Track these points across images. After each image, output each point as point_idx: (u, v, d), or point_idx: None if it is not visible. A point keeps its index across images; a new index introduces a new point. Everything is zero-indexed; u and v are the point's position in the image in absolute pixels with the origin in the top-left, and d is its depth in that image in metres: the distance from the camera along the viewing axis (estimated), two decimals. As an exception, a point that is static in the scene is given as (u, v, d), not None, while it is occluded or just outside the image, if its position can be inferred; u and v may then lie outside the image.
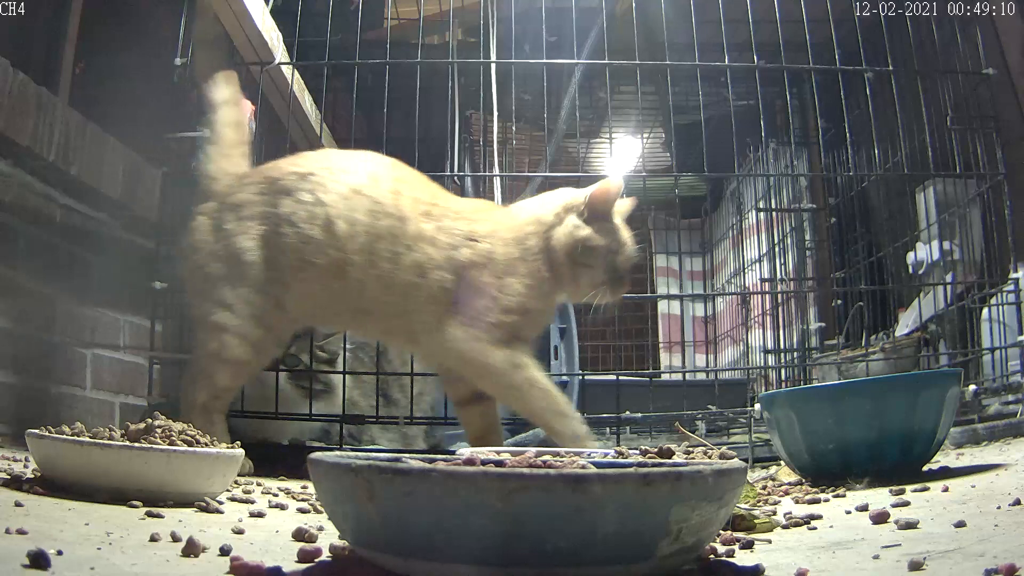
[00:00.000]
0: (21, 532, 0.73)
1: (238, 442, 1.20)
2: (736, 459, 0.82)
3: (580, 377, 2.32)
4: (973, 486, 1.12)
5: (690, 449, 0.97)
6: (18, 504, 0.89)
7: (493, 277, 1.48)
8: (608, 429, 2.67)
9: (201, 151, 1.64)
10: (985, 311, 2.25)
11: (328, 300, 1.52)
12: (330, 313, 1.58)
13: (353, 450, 1.95)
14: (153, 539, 0.76)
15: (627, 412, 1.98)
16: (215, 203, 1.55)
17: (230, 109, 1.66)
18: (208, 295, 1.49)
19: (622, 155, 4.57)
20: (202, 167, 1.61)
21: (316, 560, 0.70)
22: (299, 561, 0.71)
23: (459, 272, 1.47)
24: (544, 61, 2.14)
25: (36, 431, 1.04)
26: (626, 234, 1.56)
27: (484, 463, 0.64)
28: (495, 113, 2.38)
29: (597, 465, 0.69)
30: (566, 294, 1.59)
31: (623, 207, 1.61)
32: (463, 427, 1.67)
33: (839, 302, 3.09)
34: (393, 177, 1.53)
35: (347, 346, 2.08)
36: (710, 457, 0.93)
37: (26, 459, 1.30)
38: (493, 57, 2.38)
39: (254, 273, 1.48)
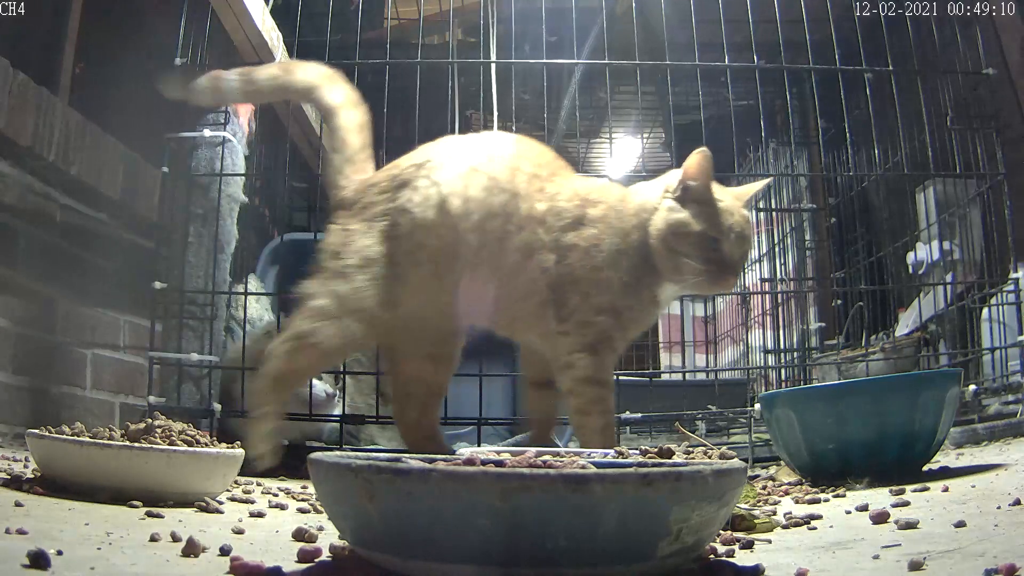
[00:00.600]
0: (21, 532, 0.73)
1: (238, 442, 1.20)
2: (736, 459, 0.82)
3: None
4: (973, 486, 1.12)
5: (690, 449, 0.97)
6: (18, 504, 0.89)
7: (591, 269, 1.38)
8: (608, 429, 2.66)
9: (325, 163, 1.56)
10: (985, 311, 2.25)
11: (439, 289, 1.43)
12: (441, 304, 1.46)
13: (353, 450, 1.95)
14: (153, 539, 0.76)
15: (627, 412, 1.98)
16: (346, 211, 1.49)
17: (350, 111, 1.55)
18: (320, 283, 1.43)
19: (622, 155, 4.57)
20: (328, 179, 1.55)
21: (316, 560, 0.70)
22: (299, 561, 0.71)
23: (563, 256, 1.39)
24: (544, 61, 2.14)
25: (36, 431, 1.04)
26: (734, 219, 1.38)
27: (484, 463, 0.63)
28: (495, 113, 2.38)
29: (597, 465, 0.69)
30: (674, 288, 1.44)
31: (745, 191, 1.48)
32: (527, 406, 1.58)
33: (839, 302, 3.09)
34: (514, 153, 1.45)
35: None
36: (710, 457, 0.93)
37: (26, 459, 1.30)
38: (493, 57, 2.39)
39: (372, 270, 1.41)
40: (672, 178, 1.42)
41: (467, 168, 1.43)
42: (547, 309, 1.40)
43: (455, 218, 1.40)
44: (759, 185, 1.52)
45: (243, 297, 2.22)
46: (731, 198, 1.41)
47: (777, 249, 3.48)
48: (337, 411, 2.03)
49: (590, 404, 1.37)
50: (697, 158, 1.36)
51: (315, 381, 1.96)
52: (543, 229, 1.40)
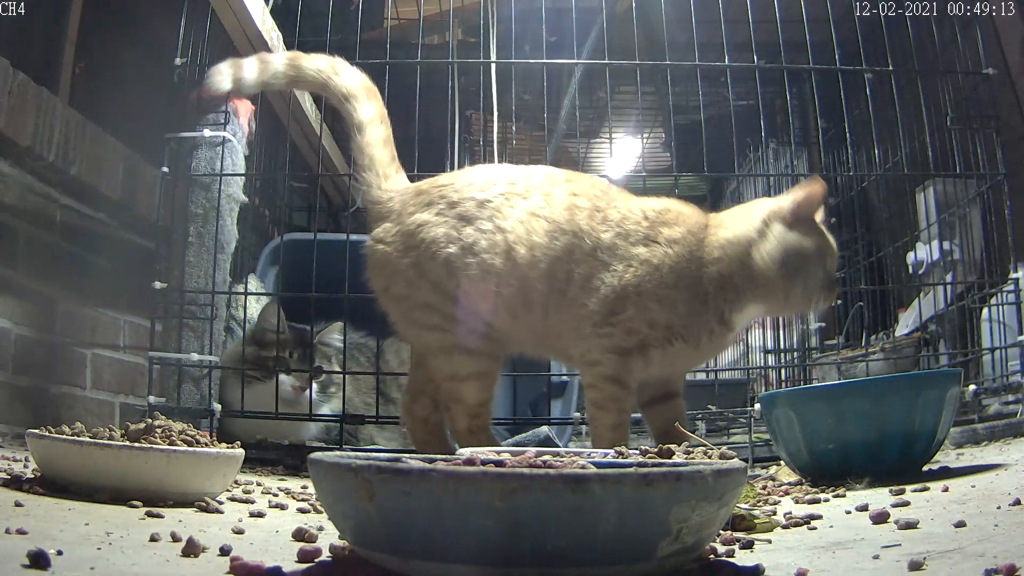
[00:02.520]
0: (21, 532, 0.73)
1: (238, 442, 1.20)
2: (736, 459, 0.82)
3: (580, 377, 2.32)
4: (973, 486, 1.12)
5: (690, 449, 0.97)
6: (18, 504, 0.89)
7: (658, 285, 1.41)
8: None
9: (356, 183, 1.58)
10: (985, 311, 2.25)
11: (515, 326, 1.47)
12: (528, 337, 1.51)
13: (353, 450, 1.95)
14: (153, 539, 0.76)
15: (627, 412, 1.97)
16: (391, 224, 1.50)
17: (378, 127, 1.58)
18: (421, 323, 1.47)
19: (622, 155, 4.57)
20: (364, 197, 1.57)
21: (316, 560, 0.70)
22: (299, 561, 0.71)
23: (630, 268, 1.42)
24: (544, 61, 2.14)
25: (36, 431, 1.04)
26: (830, 237, 1.46)
27: (484, 463, 0.63)
28: (495, 113, 2.38)
29: (597, 465, 0.69)
30: (756, 310, 1.47)
31: (819, 212, 1.52)
32: (647, 426, 1.59)
33: (839, 302, 3.09)
34: (568, 192, 1.48)
35: (346, 345, 2.08)
36: (710, 457, 0.93)
37: (26, 459, 1.30)
38: (493, 57, 2.39)
39: (453, 291, 1.45)
40: (766, 207, 1.46)
41: (527, 213, 1.45)
42: (588, 320, 1.42)
43: (524, 267, 1.43)
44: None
45: (243, 297, 2.22)
46: (819, 221, 1.47)
47: (777, 249, 3.47)
48: (326, 409, 2.03)
49: (608, 400, 1.41)
50: (816, 190, 1.42)
51: (283, 376, 1.96)
52: (608, 255, 1.43)
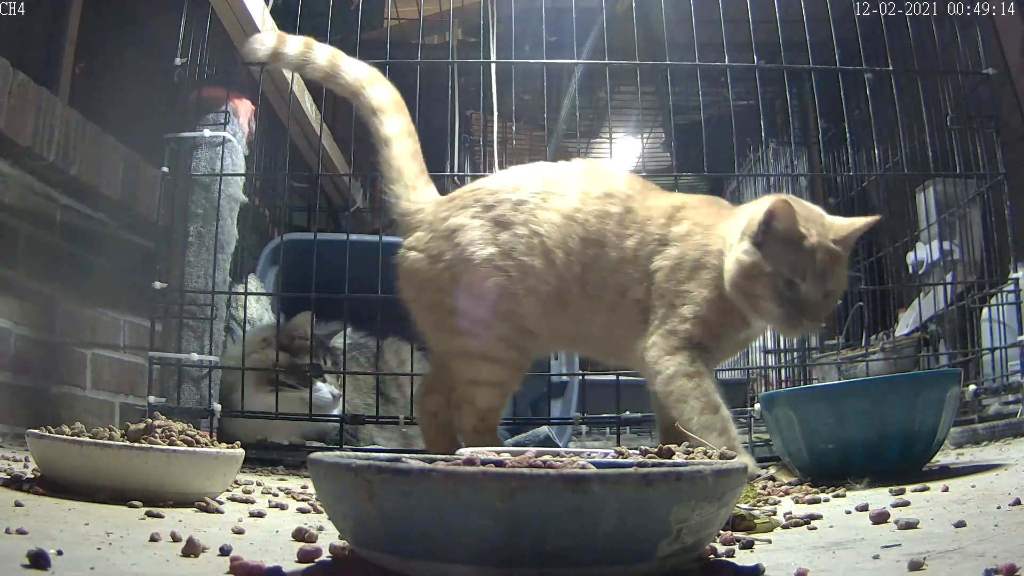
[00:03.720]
0: (21, 532, 0.73)
1: (237, 442, 1.20)
2: (736, 459, 0.82)
3: (580, 377, 2.32)
4: (973, 486, 1.12)
5: (690, 449, 0.97)
6: (18, 504, 0.89)
7: (676, 283, 1.42)
8: (608, 429, 2.66)
9: (386, 196, 1.60)
10: (985, 311, 2.25)
11: (552, 326, 1.49)
12: (562, 336, 1.53)
13: (353, 450, 1.95)
14: (153, 539, 0.76)
15: (627, 412, 1.98)
16: (423, 232, 1.51)
17: (405, 140, 1.60)
18: (450, 328, 1.48)
19: (622, 155, 4.57)
20: (393, 210, 1.59)
21: (316, 560, 0.70)
22: (299, 561, 0.71)
23: (651, 281, 1.44)
24: (544, 61, 2.14)
25: (36, 431, 1.04)
26: (816, 258, 1.33)
27: (484, 463, 0.63)
28: (495, 113, 2.38)
29: (597, 465, 0.69)
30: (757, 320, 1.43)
31: (844, 228, 1.39)
32: (657, 421, 1.57)
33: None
34: (602, 192, 1.49)
35: (346, 344, 2.08)
36: (710, 457, 0.93)
37: (26, 459, 1.30)
38: (493, 57, 2.39)
39: (486, 294, 1.45)
40: (748, 214, 1.40)
41: (562, 218, 1.47)
42: (640, 335, 1.43)
43: (560, 269, 1.45)
44: (863, 221, 1.42)
45: (243, 297, 2.22)
46: (821, 235, 1.35)
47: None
48: (336, 411, 2.03)
49: (685, 393, 1.37)
50: (782, 206, 1.33)
51: (319, 383, 1.96)
52: (633, 267, 1.44)
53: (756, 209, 1.41)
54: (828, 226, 1.39)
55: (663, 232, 1.46)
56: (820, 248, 1.34)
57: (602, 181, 1.51)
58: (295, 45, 1.62)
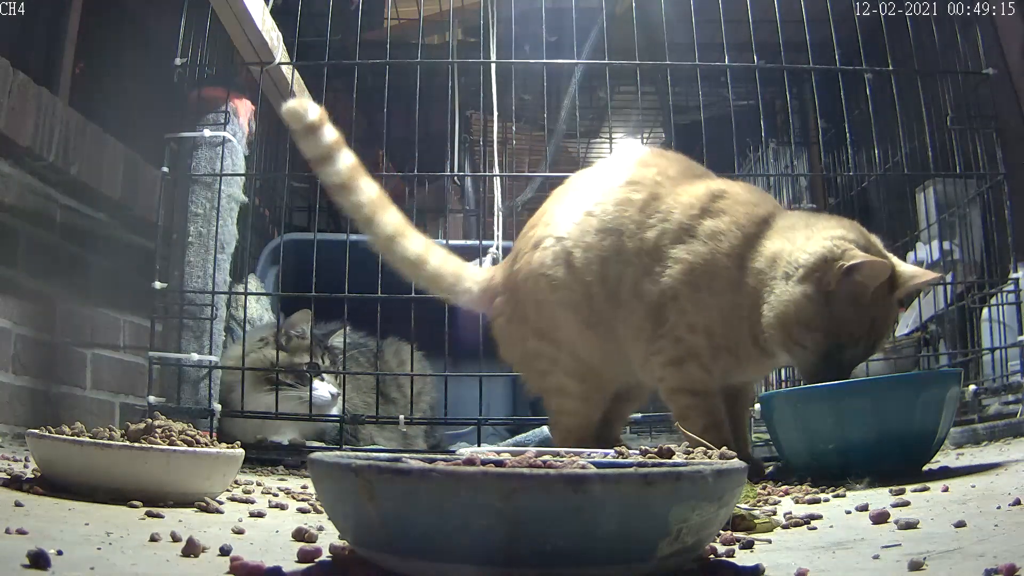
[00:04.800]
0: (21, 532, 0.73)
1: (237, 442, 1.20)
2: (736, 459, 0.82)
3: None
4: (973, 486, 1.12)
5: (690, 449, 0.97)
6: (18, 504, 0.89)
7: (692, 287, 1.32)
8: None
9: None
10: (985, 311, 2.25)
11: (587, 344, 1.45)
12: (610, 364, 1.47)
13: (353, 450, 1.95)
14: (153, 539, 0.76)
15: (627, 412, 1.97)
16: (500, 296, 1.55)
17: (436, 257, 1.60)
18: (530, 367, 1.52)
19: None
20: (467, 304, 1.62)
21: (316, 560, 0.70)
22: (299, 561, 0.71)
23: (665, 271, 1.35)
24: (544, 61, 2.14)
25: (36, 431, 1.04)
26: (874, 326, 1.25)
27: (484, 463, 0.63)
28: (495, 113, 2.38)
29: (597, 465, 0.69)
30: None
31: (910, 280, 1.28)
32: None
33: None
34: (626, 181, 1.42)
35: (346, 344, 2.08)
36: (710, 457, 0.93)
37: (26, 459, 1.30)
38: (493, 57, 2.38)
39: (552, 337, 1.47)
40: (826, 249, 1.26)
41: (582, 214, 1.43)
42: (643, 333, 1.40)
43: (581, 271, 1.41)
44: (931, 276, 1.36)
45: (243, 297, 2.22)
46: (887, 296, 1.26)
47: (777, 249, 3.46)
48: (335, 410, 2.03)
49: (686, 410, 1.37)
50: (878, 267, 1.22)
51: (316, 382, 1.96)
52: (650, 258, 1.36)
53: (831, 245, 1.26)
54: (896, 279, 1.28)
55: (692, 223, 1.34)
56: (883, 310, 1.26)
57: (626, 170, 1.46)
58: (331, 133, 1.58)
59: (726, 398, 1.45)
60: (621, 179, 1.45)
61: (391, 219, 1.57)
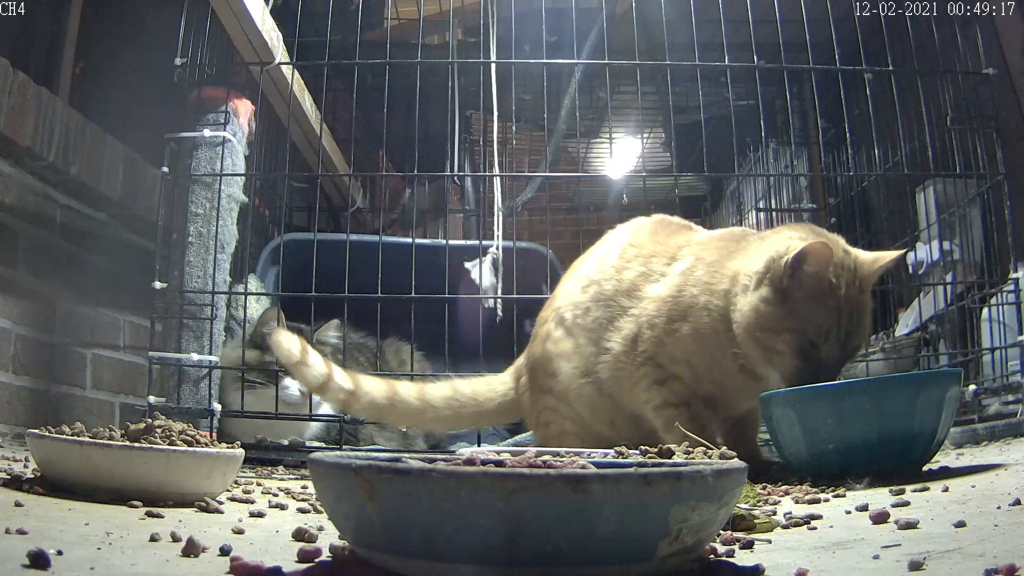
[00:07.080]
0: (21, 532, 0.73)
1: (237, 442, 1.20)
2: (736, 459, 0.82)
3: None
4: (973, 486, 1.12)
5: (690, 449, 0.97)
6: (18, 504, 0.89)
7: (666, 320, 1.38)
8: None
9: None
10: (985, 311, 2.25)
11: (594, 403, 1.52)
12: (619, 422, 1.54)
13: (353, 450, 1.95)
14: (153, 539, 0.76)
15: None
16: (524, 376, 1.65)
17: (464, 402, 1.68)
18: (538, 421, 1.61)
19: (622, 155, 4.56)
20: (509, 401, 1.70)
21: (316, 560, 0.70)
22: (299, 561, 0.71)
23: (642, 310, 1.44)
24: (544, 61, 2.14)
25: (36, 431, 1.04)
26: (842, 316, 1.24)
27: (484, 463, 0.63)
28: (495, 113, 2.38)
29: (597, 465, 0.69)
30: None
31: (872, 266, 1.30)
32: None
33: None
34: (627, 245, 1.53)
35: (346, 345, 2.08)
36: (710, 457, 0.93)
37: (26, 459, 1.30)
38: (493, 57, 2.38)
39: (555, 390, 1.55)
40: (772, 251, 1.28)
41: (586, 281, 1.55)
42: (631, 369, 1.45)
43: (571, 327, 1.53)
44: (891, 256, 1.38)
45: (243, 297, 2.22)
46: (850, 284, 1.26)
47: (777, 249, 3.46)
48: (326, 409, 2.03)
49: (669, 421, 1.39)
50: (820, 248, 1.22)
51: (287, 380, 1.96)
52: (627, 298, 1.45)
53: (778, 246, 1.29)
54: (858, 268, 1.29)
55: (663, 269, 1.45)
56: (849, 302, 1.26)
57: (629, 235, 1.56)
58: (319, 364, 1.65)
59: (732, 427, 1.50)
60: (621, 243, 1.56)
61: (407, 391, 1.65)
